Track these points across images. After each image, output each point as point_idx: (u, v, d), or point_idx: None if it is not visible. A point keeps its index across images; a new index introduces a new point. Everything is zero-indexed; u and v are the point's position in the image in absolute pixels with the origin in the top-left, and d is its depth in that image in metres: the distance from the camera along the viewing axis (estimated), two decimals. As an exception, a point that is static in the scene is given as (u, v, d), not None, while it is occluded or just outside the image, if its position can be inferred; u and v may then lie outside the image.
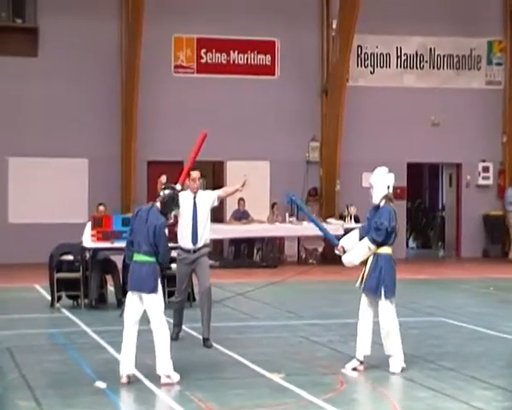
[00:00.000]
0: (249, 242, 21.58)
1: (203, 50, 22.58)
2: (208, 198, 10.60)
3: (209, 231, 10.51)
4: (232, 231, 20.86)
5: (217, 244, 21.73)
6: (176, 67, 22.39)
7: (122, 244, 13.56)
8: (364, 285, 9.03)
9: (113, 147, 21.65)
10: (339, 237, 9.57)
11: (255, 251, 21.66)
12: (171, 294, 13.83)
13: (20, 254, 20.42)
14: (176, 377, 8.42)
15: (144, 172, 21.84)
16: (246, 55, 22.84)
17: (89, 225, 13.93)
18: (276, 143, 22.55)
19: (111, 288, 13.97)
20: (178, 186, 9.72)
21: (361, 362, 9.05)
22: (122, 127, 21.66)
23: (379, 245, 8.96)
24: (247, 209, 21.65)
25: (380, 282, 8.94)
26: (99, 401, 7.78)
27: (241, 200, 21.67)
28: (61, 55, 21.34)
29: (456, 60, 24.02)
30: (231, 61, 22.73)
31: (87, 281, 13.52)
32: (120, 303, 13.64)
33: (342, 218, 22.16)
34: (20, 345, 10.46)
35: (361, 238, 9.08)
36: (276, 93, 22.67)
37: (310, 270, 19.78)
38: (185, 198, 10.37)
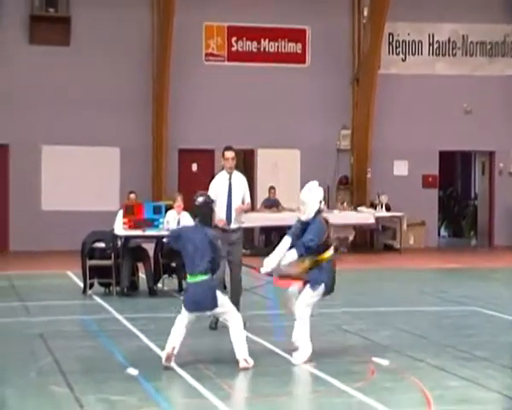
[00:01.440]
0: (280, 230, 21.54)
1: (234, 38, 22.55)
2: (242, 183, 10.74)
3: (242, 217, 10.64)
4: (263, 219, 20.86)
5: (247, 232, 21.73)
6: (207, 55, 22.40)
7: (153, 232, 13.75)
8: (310, 277, 8.93)
9: (144, 135, 21.73)
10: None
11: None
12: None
13: (53, 241, 20.60)
14: (251, 361, 8.50)
15: (175, 160, 21.91)
16: (276, 43, 22.78)
17: (120, 212, 14.01)
18: (306, 131, 22.49)
19: (142, 275, 14.04)
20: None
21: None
22: (153, 116, 21.72)
23: (318, 253, 8.89)
24: (278, 198, 21.63)
25: (322, 277, 8.89)
26: (131, 388, 7.82)
27: (271, 188, 21.67)
28: (92, 44, 21.44)
29: (489, 47, 23.77)
30: (262, 49, 22.68)
31: (119, 268, 13.61)
32: (152, 291, 13.74)
33: (373, 206, 22.07)
34: (53, 331, 10.56)
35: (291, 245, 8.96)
36: (306, 81, 22.60)
37: (340, 258, 19.73)
38: (221, 178, 10.56)
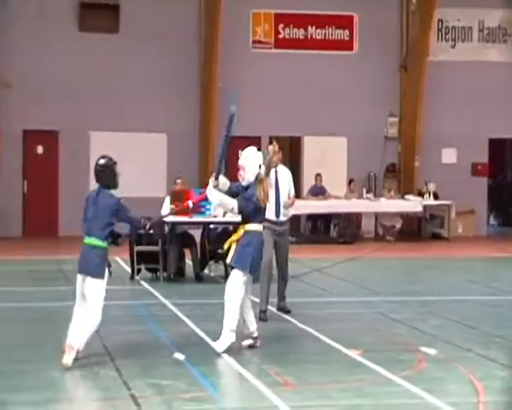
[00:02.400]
0: (326, 218, 21.50)
1: (281, 25, 22.48)
2: (288, 176, 10.82)
3: (290, 210, 10.78)
4: (309, 206, 20.80)
5: (294, 220, 21.66)
6: (254, 42, 22.37)
7: (200, 219, 13.80)
8: (233, 259, 8.74)
9: (191, 122, 21.80)
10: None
11: (332, 227, 21.57)
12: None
13: (101, 227, 20.77)
14: (69, 359, 8.03)
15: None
16: (324, 30, 22.65)
17: (168, 199, 14.07)
18: (353, 118, 22.35)
19: (189, 262, 14.11)
20: (190, 203, 9.68)
21: (255, 337, 8.87)
22: (201, 102, 21.78)
23: (247, 221, 8.74)
24: (324, 185, 21.56)
25: (248, 256, 8.65)
26: (178, 373, 7.86)
27: (318, 175, 21.60)
28: (141, 32, 21.54)
29: (540, 32, 23.35)
30: (309, 36, 22.58)
31: (166, 254, 13.69)
32: (198, 277, 13.80)
33: (421, 194, 21.87)
34: (102, 316, 10.63)
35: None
36: (354, 68, 22.45)
37: (387, 247, 19.63)
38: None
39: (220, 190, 8.82)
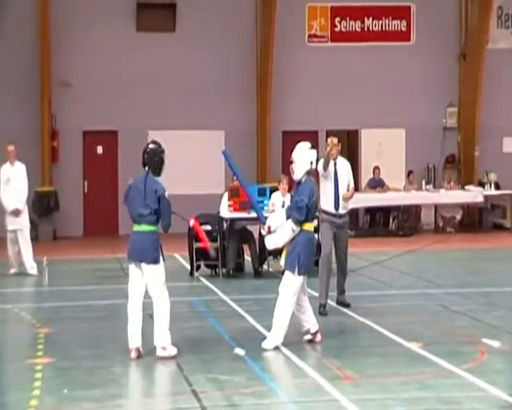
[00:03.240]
0: (385, 210, 21.36)
1: (337, 19, 22.39)
2: (347, 168, 10.78)
3: (348, 203, 10.76)
4: (368, 199, 20.69)
5: (352, 213, 21.54)
6: (310, 36, 22.32)
7: (259, 214, 13.82)
8: (286, 264, 8.69)
9: (248, 118, 21.86)
10: (266, 216, 9.19)
11: (391, 220, 21.41)
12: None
13: (161, 224, 20.98)
14: (173, 350, 8.23)
15: (279, 142, 21.96)
16: (380, 22, 22.49)
17: (226, 195, 14.15)
18: (411, 109, 22.14)
19: (248, 257, 14.16)
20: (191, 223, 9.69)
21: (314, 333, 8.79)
22: (257, 98, 21.83)
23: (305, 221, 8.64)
24: (383, 177, 21.41)
25: (295, 258, 8.58)
26: (238, 368, 7.92)
27: (376, 168, 21.47)
28: (197, 29, 21.68)
29: None
30: (366, 29, 22.44)
31: (225, 250, 13.76)
32: (257, 273, 13.85)
33: (481, 185, 21.58)
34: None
35: (288, 218, 8.72)
36: (411, 59, 22.24)
37: (447, 238, 19.41)
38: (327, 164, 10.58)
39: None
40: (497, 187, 21.24)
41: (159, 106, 21.62)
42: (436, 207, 21.64)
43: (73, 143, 21.46)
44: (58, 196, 20.86)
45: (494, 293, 11.99)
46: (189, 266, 14.18)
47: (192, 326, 9.72)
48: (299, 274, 8.62)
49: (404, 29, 22.55)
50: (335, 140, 10.67)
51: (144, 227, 8.35)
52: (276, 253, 14.27)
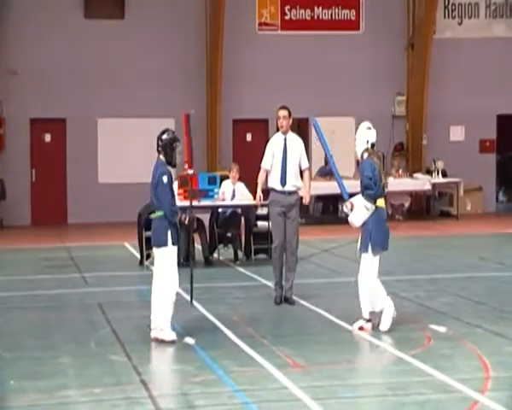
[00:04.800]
0: (335, 198, 21.47)
1: (287, 7, 22.41)
2: (298, 145, 10.41)
3: (299, 179, 10.35)
4: (318, 188, 20.75)
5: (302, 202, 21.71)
6: (260, 24, 22.31)
7: (208, 203, 13.82)
8: (360, 244, 8.81)
9: (198, 106, 21.73)
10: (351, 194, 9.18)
11: (341, 208, 21.54)
12: (257, 251, 13.98)
13: (110, 213, 20.87)
14: (170, 335, 8.29)
15: (229, 130, 21.94)
16: (330, 11, 22.57)
17: (175, 183, 14.07)
18: (361, 98, 22.28)
19: (198, 246, 14.13)
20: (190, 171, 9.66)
21: (368, 320, 8.89)
22: (207, 86, 21.76)
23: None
24: (333, 166, 21.50)
25: (367, 236, 8.72)
26: (188, 357, 7.91)
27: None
28: (146, 17, 21.51)
29: (547, 7, 23.20)
30: (315, 17, 22.50)
31: (175, 239, 13.68)
32: (207, 261, 13.83)
33: (429, 172, 21.83)
34: (111, 302, 10.73)
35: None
36: (361, 48, 22.37)
37: (396, 226, 19.60)
38: (276, 140, 10.35)
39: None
40: (444, 175, 21.51)
41: (108, 94, 21.43)
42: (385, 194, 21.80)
43: (20, 132, 21.16)
44: (5, 185, 20.56)
45: (441, 279, 12.15)
46: (138, 255, 14.11)
47: (141, 316, 9.65)
48: (372, 252, 8.68)
49: (353, 18, 22.66)
50: (285, 112, 10.28)
51: (156, 213, 8.52)
52: (227, 241, 14.33)
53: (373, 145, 8.95)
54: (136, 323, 9.35)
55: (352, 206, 8.87)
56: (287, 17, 22.42)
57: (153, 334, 8.39)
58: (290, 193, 10.25)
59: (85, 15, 21.40)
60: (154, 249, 8.54)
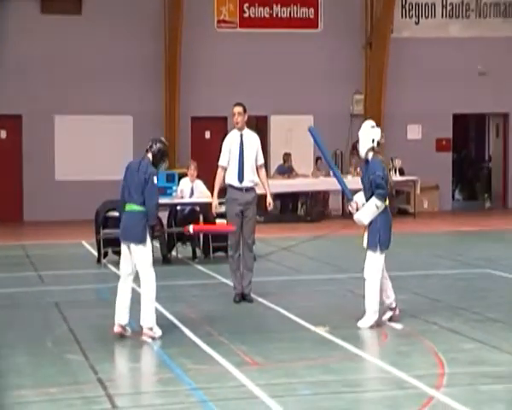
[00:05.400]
0: (294, 196, 21.56)
1: (246, 5, 22.41)
2: (255, 141, 10.36)
3: (255, 174, 10.33)
4: (277, 185, 20.78)
5: (261, 200, 21.69)
6: (219, 22, 22.28)
7: (166, 200, 13.78)
8: (367, 243, 8.94)
9: (157, 104, 21.69)
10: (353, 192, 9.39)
11: (299, 206, 21.64)
12: (215, 249, 13.96)
13: (67, 211, 20.68)
14: (158, 332, 8.35)
15: (188, 127, 21.88)
16: (289, 9, 22.62)
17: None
18: (319, 96, 22.38)
19: (156, 244, 14.06)
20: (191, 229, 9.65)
21: (393, 309, 9.06)
22: (165, 84, 21.68)
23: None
24: (292, 164, 21.57)
25: (376, 235, 8.87)
26: (146, 355, 7.89)
27: (286, 155, 21.59)
28: (104, 13, 21.37)
29: (502, 8, 23.50)
30: (274, 15, 22.54)
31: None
32: (165, 259, 13.78)
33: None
34: (68, 300, 10.64)
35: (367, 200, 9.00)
36: (319, 46, 22.45)
37: (354, 223, 19.71)
38: (233, 136, 10.34)
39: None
40: (402, 173, 21.68)
41: (65, 90, 21.24)
42: (343, 192, 21.92)
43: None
44: (-41, 182, 20.30)
45: (398, 277, 12.19)
46: (96, 253, 14.01)
47: (98, 314, 9.60)
48: (380, 251, 8.80)
49: (311, 17, 22.74)
50: (240, 109, 10.24)
51: (133, 207, 8.45)
52: (185, 239, 14.29)
53: (378, 144, 9.04)
54: (94, 321, 9.29)
55: (358, 205, 8.94)
56: (245, 15, 22.43)
57: (145, 333, 8.30)
58: (248, 190, 10.25)
59: (42, 11, 21.20)
60: (133, 247, 8.38)
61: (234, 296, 10.30)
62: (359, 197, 9.13)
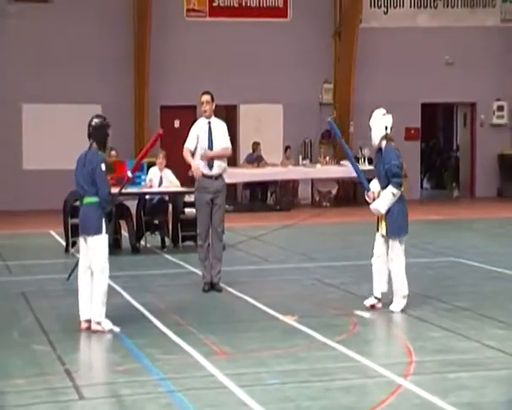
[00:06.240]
0: (263, 185, 21.56)
1: (215, -7, 22.33)
2: (222, 128, 10.40)
3: (224, 161, 10.35)
4: (246, 175, 20.82)
5: (231, 188, 21.64)
6: (188, 10, 22.17)
7: (135, 190, 13.71)
8: (388, 231, 9.01)
9: (125, 92, 21.55)
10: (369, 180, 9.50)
11: (269, 195, 21.65)
12: (184, 238, 13.93)
13: (35, 200, 20.50)
14: (107, 325, 8.27)
15: (157, 117, 21.77)
16: (258, -2, 22.60)
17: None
18: (289, 85, 22.37)
19: (125, 233, 14.02)
20: (129, 173, 9.58)
21: (378, 299, 9.09)
22: (134, 73, 21.54)
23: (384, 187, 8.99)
24: (261, 153, 21.56)
25: (394, 222, 8.97)
26: (113, 345, 7.85)
27: (255, 144, 21.57)
28: (73, 1, 21.18)
29: (470, -3, 23.66)
30: (243, 4, 22.48)
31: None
32: (134, 249, 13.72)
33: (356, 160, 22.03)
34: (35, 290, 10.56)
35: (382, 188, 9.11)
36: (288, 35, 22.44)
37: (323, 212, 19.79)
38: (201, 124, 10.36)
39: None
40: (371, 162, 21.74)
41: (33, 79, 21.02)
42: (313, 182, 22.00)
43: None
44: None
45: (367, 266, 12.18)
46: (64, 243, 13.91)
47: (66, 304, 9.53)
48: (399, 236, 8.93)
49: (280, 6, 22.72)
50: (208, 97, 10.28)
51: (87, 199, 8.37)
52: (154, 229, 14.24)
53: (391, 129, 9.10)
54: (61, 312, 9.22)
55: (374, 195, 8.97)
56: (215, 4, 22.34)
57: (93, 329, 8.23)
58: (217, 177, 10.26)
59: (9, -1, 20.96)
60: (89, 238, 8.32)
61: (203, 286, 10.29)
62: (374, 185, 9.25)
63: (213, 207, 10.26)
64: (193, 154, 10.29)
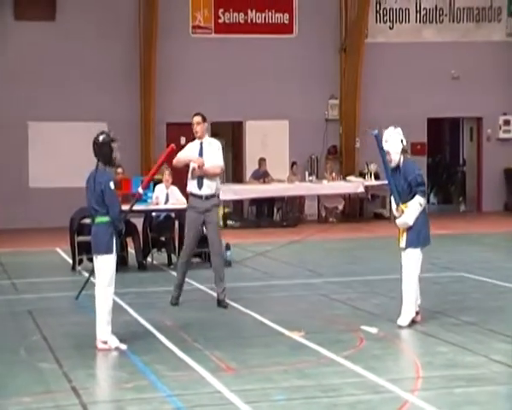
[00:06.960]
0: (269, 201, 21.55)
1: (221, 10, 22.40)
2: (215, 146, 10.44)
3: (218, 182, 10.42)
4: (252, 191, 20.83)
5: (237, 205, 21.73)
6: (194, 27, 22.25)
7: (142, 207, 13.72)
8: (407, 241, 9.04)
9: (131, 110, 21.61)
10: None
11: (275, 211, 21.64)
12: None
13: (41, 218, 20.53)
14: (114, 342, 8.27)
15: (163, 133, 21.81)
16: (264, 14, 22.64)
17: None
18: (294, 101, 22.40)
19: (131, 250, 14.02)
20: (140, 190, 9.61)
21: (417, 313, 9.13)
22: (140, 90, 21.61)
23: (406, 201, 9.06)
24: (267, 169, 21.57)
25: (416, 232, 9.06)
26: (120, 362, 7.84)
27: (262, 160, 21.59)
28: (78, 19, 21.26)
29: (476, 12, 23.67)
30: (249, 21, 22.55)
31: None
32: (141, 266, 13.72)
33: (362, 175, 22.06)
34: (42, 308, 10.56)
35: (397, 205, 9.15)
36: (294, 51, 22.49)
37: (329, 228, 19.77)
38: (193, 145, 10.47)
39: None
40: (377, 177, 21.74)
41: (39, 97, 21.10)
42: (319, 197, 21.98)
43: None
44: None
45: (374, 281, 12.27)
46: (70, 261, 13.91)
47: (73, 322, 9.54)
48: (421, 247, 9.02)
49: (286, 22, 22.78)
50: (198, 118, 10.40)
51: (98, 219, 8.39)
52: (160, 245, 14.24)
53: (406, 141, 9.20)
54: (68, 329, 9.22)
55: (402, 210, 9.08)
56: (220, 20, 22.42)
57: (99, 348, 8.24)
58: (207, 197, 10.29)
59: (15, 17, 21.05)
60: (99, 257, 8.34)
61: (171, 298, 10.44)
62: (392, 203, 9.30)
63: (207, 226, 10.35)
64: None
